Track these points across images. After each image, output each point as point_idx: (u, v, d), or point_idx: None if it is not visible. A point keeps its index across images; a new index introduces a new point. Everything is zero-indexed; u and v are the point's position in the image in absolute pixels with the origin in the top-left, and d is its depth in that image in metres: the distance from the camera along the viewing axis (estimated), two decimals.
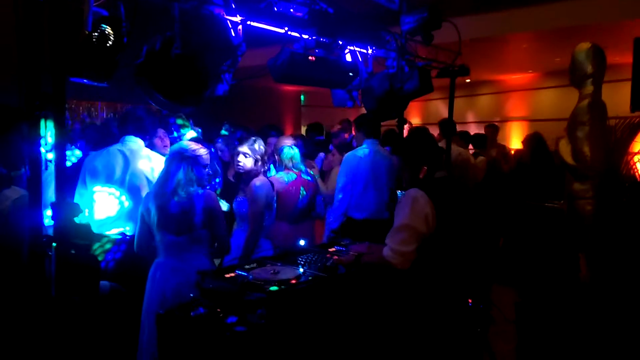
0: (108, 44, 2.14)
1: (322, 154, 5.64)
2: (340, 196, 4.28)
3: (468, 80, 12.46)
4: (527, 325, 3.76)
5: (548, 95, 11.51)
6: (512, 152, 8.73)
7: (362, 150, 4.29)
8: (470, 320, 3.55)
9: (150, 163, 3.35)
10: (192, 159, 2.85)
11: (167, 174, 2.84)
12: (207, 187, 3.03)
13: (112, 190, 3.28)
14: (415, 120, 12.93)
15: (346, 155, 4.36)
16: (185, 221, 2.82)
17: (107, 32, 2.12)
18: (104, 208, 3.27)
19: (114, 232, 3.26)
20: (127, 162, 3.30)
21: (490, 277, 4.53)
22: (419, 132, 2.70)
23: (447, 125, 5.47)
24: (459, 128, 6.68)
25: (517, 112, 12.43)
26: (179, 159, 2.84)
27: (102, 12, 2.17)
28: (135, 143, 3.38)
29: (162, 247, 2.88)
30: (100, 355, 2.67)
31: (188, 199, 2.82)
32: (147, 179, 3.31)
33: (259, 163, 3.47)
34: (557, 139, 4.23)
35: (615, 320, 3.50)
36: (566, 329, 3.55)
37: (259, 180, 3.46)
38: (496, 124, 8.77)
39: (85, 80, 2.16)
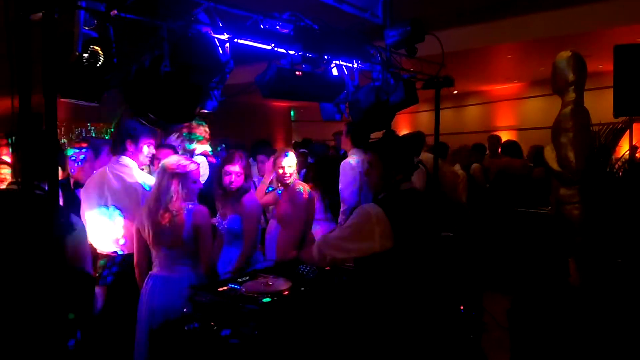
0: (98, 65, 2.18)
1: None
2: (345, 206, 4.32)
3: (455, 92, 12.62)
4: (520, 332, 3.79)
5: (534, 104, 11.70)
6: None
7: (354, 159, 4.38)
8: (462, 327, 3.59)
9: (138, 181, 3.34)
10: (182, 175, 2.89)
11: (159, 190, 2.88)
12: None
13: (109, 212, 3.27)
14: (404, 132, 13.06)
15: (342, 164, 4.42)
16: (176, 235, 2.86)
17: (97, 53, 2.16)
18: (104, 229, 3.26)
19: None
20: (116, 182, 3.28)
21: (481, 285, 4.57)
22: (400, 136, 2.53)
23: (417, 138, 5.55)
24: (446, 139, 6.73)
25: (505, 122, 12.60)
26: (170, 175, 2.87)
27: (92, 34, 2.22)
28: (124, 163, 3.36)
29: (156, 260, 2.93)
30: None
31: (179, 214, 2.85)
32: (138, 197, 3.30)
33: (248, 179, 3.51)
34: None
35: (607, 323, 3.54)
36: (558, 334, 3.58)
37: (250, 196, 3.50)
38: (483, 133, 8.87)
39: (76, 100, 2.20)
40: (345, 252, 2.39)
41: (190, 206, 2.91)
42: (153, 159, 3.87)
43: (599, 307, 3.72)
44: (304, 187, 3.72)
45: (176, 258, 2.90)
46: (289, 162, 3.69)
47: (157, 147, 4.06)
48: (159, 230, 2.85)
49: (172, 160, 2.96)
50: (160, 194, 2.87)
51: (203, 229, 2.92)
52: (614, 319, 3.57)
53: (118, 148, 3.36)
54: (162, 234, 2.85)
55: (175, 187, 2.86)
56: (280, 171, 3.70)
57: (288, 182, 3.71)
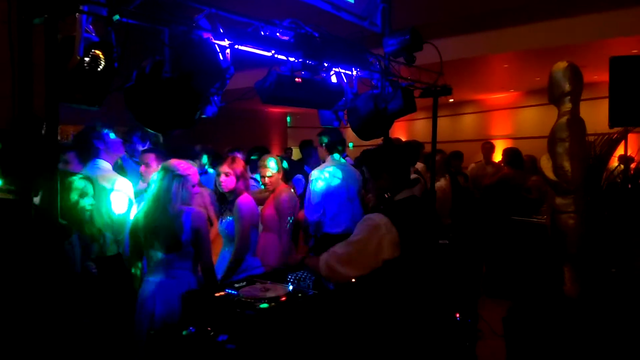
0: (99, 69, 2.19)
1: (298, 176, 5.75)
2: (315, 215, 4.34)
3: (452, 100, 12.69)
4: (515, 340, 3.80)
5: (530, 114, 11.76)
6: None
7: (328, 166, 4.41)
8: (458, 334, 3.59)
9: (109, 185, 3.34)
10: (182, 178, 2.89)
11: (158, 192, 2.88)
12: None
13: None
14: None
15: (313, 173, 4.46)
16: (174, 239, 2.85)
17: (98, 57, 2.17)
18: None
19: None
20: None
21: (478, 292, 4.58)
22: (390, 144, 2.45)
23: (413, 148, 5.55)
24: (442, 147, 6.73)
25: (500, 131, 12.66)
26: (170, 178, 2.88)
27: (93, 38, 2.22)
28: (99, 166, 3.38)
29: (151, 264, 2.91)
30: None
31: (177, 217, 2.85)
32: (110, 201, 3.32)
33: (240, 181, 3.49)
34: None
35: (600, 331, 3.56)
36: (553, 342, 3.60)
37: (244, 198, 3.49)
38: (479, 142, 8.88)
39: (77, 105, 2.21)
40: (359, 268, 2.33)
41: (187, 209, 2.91)
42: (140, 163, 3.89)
43: (592, 315, 3.74)
44: (287, 193, 3.84)
45: (174, 262, 2.89)
46: (267, 172, 3.87)
47: (142, 152, 4.09)
48: (155, 233, 2.84)
49: (173, 162, 2.97)
50: (159, 196, 2.87)
51: (202, 231, 2.92)
52: (607, 327, 3.59)
53: (90, 151, 3.39)
54: (159, 237, 2.84)
55: (175, 189, 2.86)
56: (262, 178, 3.92)
57: (269, 188, 3.92)
